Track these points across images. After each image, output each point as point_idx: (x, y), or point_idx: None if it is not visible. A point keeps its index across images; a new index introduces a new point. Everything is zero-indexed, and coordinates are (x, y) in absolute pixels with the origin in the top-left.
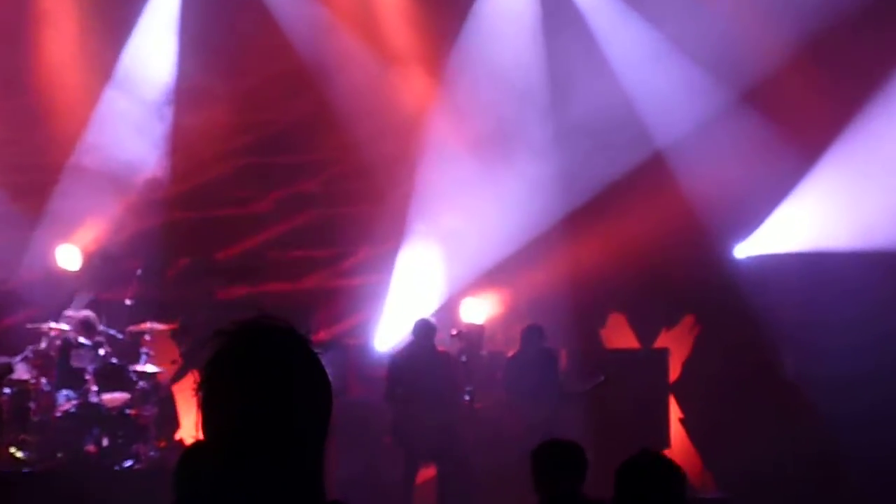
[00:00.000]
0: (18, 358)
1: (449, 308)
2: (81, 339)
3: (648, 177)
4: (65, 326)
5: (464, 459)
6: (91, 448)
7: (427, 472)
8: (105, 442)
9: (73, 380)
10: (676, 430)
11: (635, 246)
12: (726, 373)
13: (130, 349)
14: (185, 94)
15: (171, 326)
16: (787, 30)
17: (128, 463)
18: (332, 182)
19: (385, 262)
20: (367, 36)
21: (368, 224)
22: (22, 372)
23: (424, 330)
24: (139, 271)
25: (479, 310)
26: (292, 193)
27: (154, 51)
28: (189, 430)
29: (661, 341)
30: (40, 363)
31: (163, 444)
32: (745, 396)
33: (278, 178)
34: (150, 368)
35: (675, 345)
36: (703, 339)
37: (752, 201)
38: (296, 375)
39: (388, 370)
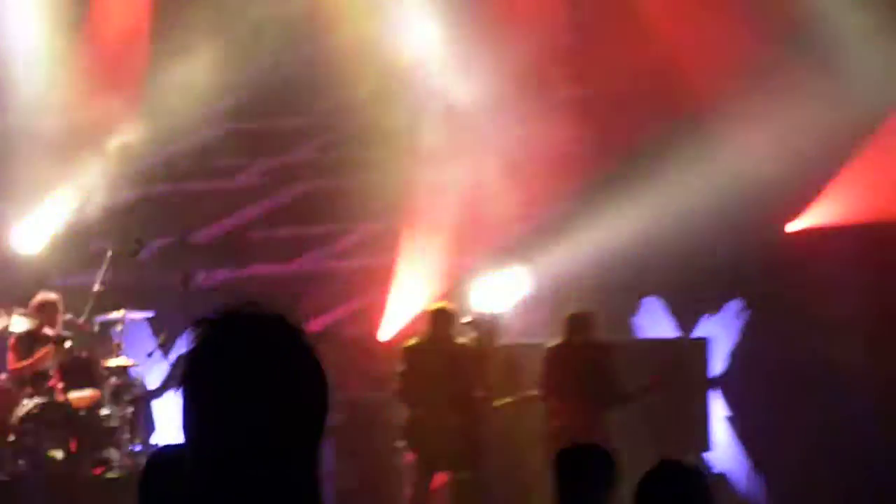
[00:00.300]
0: None
1: (460, 293)
2: (44, 330)
3: (687, 143)
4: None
5: (482, 466)
6: (57, 454)
7: (439, 481)
8: (73, 447)
9: (36, 377)
10: (720, 431)
11: (672, 220)
12: (778, 365)
13: (100, 341)
14: (161, 49)
15: (146, 315)
16: None
17: (98, 470)
18: (327, 150)
19: (387, 240)
20: None
21: (368, 198)
22: None
23: (442, 319)
24: (109, 252)
25: (494, 294)
26: (282, 163)
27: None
28: (168, 432)
29: (703, 329)
30: None
31: (138, 448)
32: (801, 392)
33: (266, 146)
34: (122, 362)
35: (719, 333)
36: (752, 327)
37: (807, 169)
38: (287, 370)
39: (401, 364)
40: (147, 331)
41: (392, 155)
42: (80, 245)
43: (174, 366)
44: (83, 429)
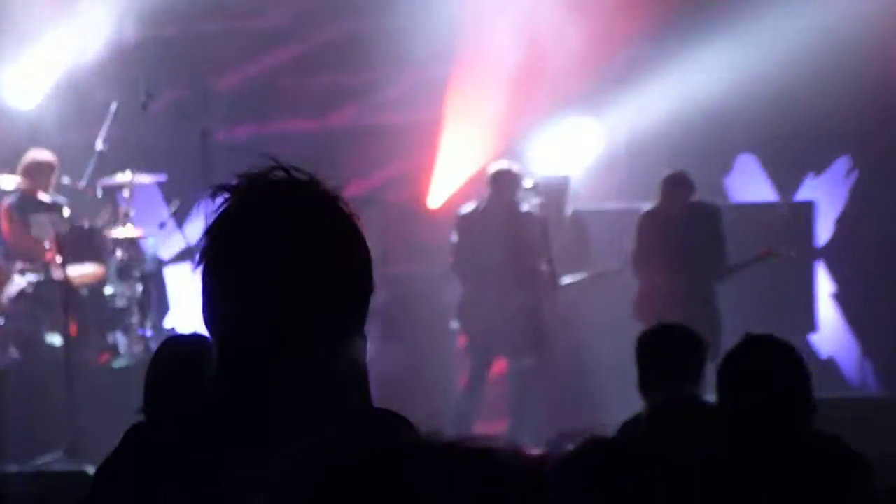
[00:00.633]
0: None
1: (520, 152)
2: (40, 196)
3: None
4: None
5: (547, 352)
6: (54, 339)
7: (498, 368)
8: (73, 331)
9: (29, 249)
10: (826, 310)
11: (766, 65)
12: (893, 234)
13: (104, 208)
14: None
15: (158, 178)
16: None
17: (103, 358)
18: None
19: (437, 90)
20: None
21: (414, 40)
22: None
23: (504, 182)
24: (114, 105)
25: (560, 154)
26: None
27: None
28: (183, 314)
29: (806, 192)
30: None
31: (149, 332)
32: None
33: None
34: (130, 233)
35: (826, 197)
36: (863, 190)
37: None
38: (324, 243)
39: (455, 233)
40: (158, 196)
41: None
42: (80, 96)
43: (193, 239)
44: (85, 310)
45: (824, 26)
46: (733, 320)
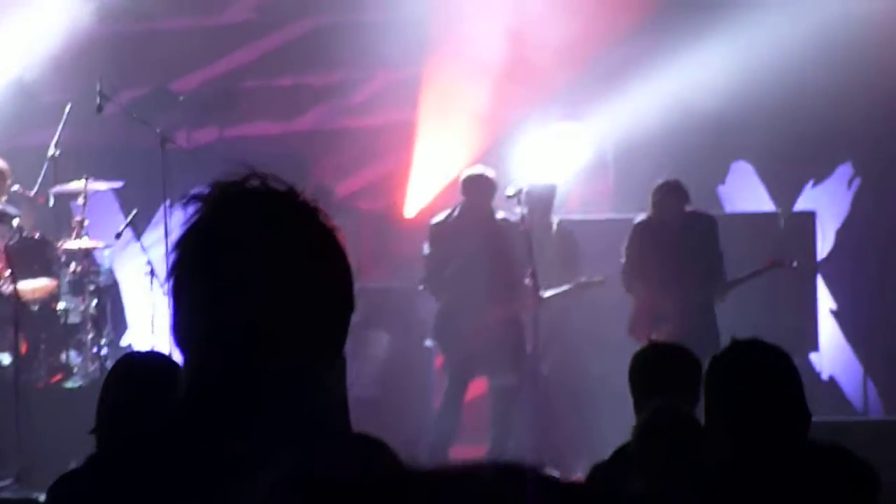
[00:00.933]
0: None
1: (500, 156)
2: None
3: None
4: None
5: (532, 371)
6: (3, 358)
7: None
8: (23, 349)
9: None
10: (827, 327)
11: (763, 67)
12: None
13: (57, 218)
14: None
15: (114, 185)
16: None
17: (55, 378)
18: None
19: (411, 91)
20: None
21: (386, 36)
22: None
23: (478, 188)
24: (67, 108)
25: (545, 160)
26: None
27: None
28: (142, 330)
29: (806, 202)
30: None
31: (104, 350)
32: None
33: None
34: (84, 244)
35: (826, 207)
36: (866, 198)
37: None
38: (304, 256)
39: (427, 244)
40: (115, 205)
41: None
42: (31, 97)
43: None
44: (36, 327)
45: (825, 29)
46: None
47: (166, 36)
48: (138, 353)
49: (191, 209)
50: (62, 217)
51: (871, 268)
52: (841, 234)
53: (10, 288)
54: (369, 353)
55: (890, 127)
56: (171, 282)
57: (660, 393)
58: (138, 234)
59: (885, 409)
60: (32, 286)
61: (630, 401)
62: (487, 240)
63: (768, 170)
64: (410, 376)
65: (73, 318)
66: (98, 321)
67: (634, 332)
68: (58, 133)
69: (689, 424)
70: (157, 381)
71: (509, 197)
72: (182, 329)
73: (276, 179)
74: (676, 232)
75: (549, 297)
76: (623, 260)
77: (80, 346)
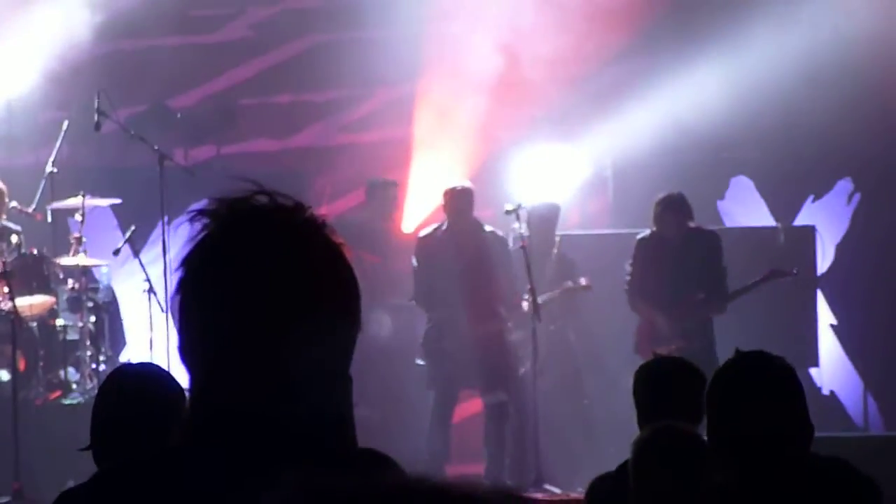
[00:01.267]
0: None
1: (499, 173)
2: None
3: None
4: None
5: (519, 388)
6: (2, 374)
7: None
8: (21, 365)
9: None
10: (827, 342)
11: (761, 83)
12: None
13: (55, 235)
14: None
15: (112, 202)
16: None
17: (54, 395)
18: None
19: (408, 108)
20: None
21: (384, 54)
22: None
23: (462, 202)
24: (65, 124)
25: (543, 177)
26: (279, 11)
27: None
28: (141, 347)
29: (806, 216)
30: None
31: (103, 367)
32: None
33: None
34: (82, 261)
35: (826, 221)
36: (867, 213)
37: None
38: (314, 272)
39: (415, 259)
40: (113, 221)
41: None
42: (29, 114)
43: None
44: (34, 344)
45: (822, 45)
46: (728, 352)
47: (164, 53)
48: (130, 364)
49: (197, 225)
50: (60, 234)
51: (871, 282)
52: (841, 249)
53: (9, 305)
54: (364, 369)
55: (884, 143)
56: (178, 300)
57: (663, 406)
58: (136, 252)
59: (885, 425)
60: (30, 303)
61: (630, 418)
62: (474, 254)
63: (768, 185)
64: (406, 393)
65: (72, 335)
66: (96, 338)
67: (640, 349)
68: (55, 150)
69: (690, 442)
70: (148, 393)
71: (508, 212)
72: (189, 350)
73: (283, 195)
74: (676, 248)
75: (539, 305)
76: (627, 277)
77: (78, 363)
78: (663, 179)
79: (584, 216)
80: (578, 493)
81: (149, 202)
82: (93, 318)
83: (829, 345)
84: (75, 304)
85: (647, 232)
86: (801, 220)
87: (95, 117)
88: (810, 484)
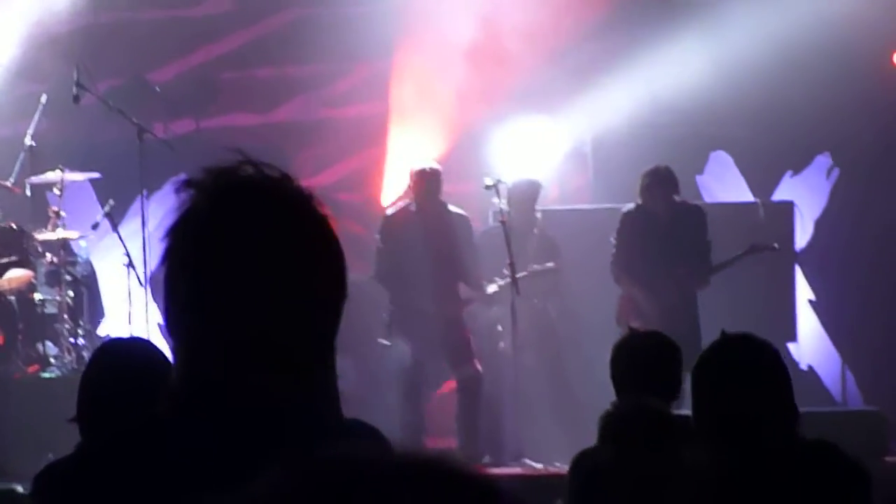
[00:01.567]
0: None
1: (478, 147)
2: None
3: None
4: None
5: (496, 363)
6: None
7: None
8: (0, 339)
9: None
10: (806, 317)
11: (740, 56)
12: (877, 236)
13: (33, 209)
14: None
15: (91, 176)
16: None
17: (33, 368)
18: None
19: (391, 83)
20: None
21: (366, 29)
22: None
23: (426, 183)
24: (43, 98)
25: (523, 153)
26: None
27: None
28: (119, 321)
29: (785, 192)
30: None
31: (81, 341)
32: None
33: None
34: (60, 235)
35: (805, 196)
36: (845, 189)
37: None
38: (302, 243)
39: (379, 237)
40: (91, 196)
41: None
42: (6, 87)
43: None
44: (12, 318)
45: (803, 19)
46: (709, 327)
47: (144, 26)
48: (121, 338)
49: (183, 196)
50: (38, 208)
51: (850, 258)
52: (819, 225)
53: None
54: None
55: (864, 120)
56: (164, 272)
57: (640, 381)
58: (115, 225)
59: (863, 400)
60: (8, 277)
61: (612, 393)
62: (441, 235)
63: (746, 160)
64: (383, 369)
65: (50, 309)
66: (75, 312)
67: (620, 321)
68: (34, 123)
69: (660, 421)
70: (138, 368)
71: (487, 187)
72: (174, 322)
73: (269, 166)
74: (663, 223)
75: (517, 279)
76: (613, 250)
77: (56, 337)
78: (643, 154)
79: (563, 191)
80: (557, 467)
81: (128, 176)
82: (71, 293)
83: (807, 320)
84: (54, 278)
85: (631, 205)
86: (779, 195)
87: (74, 90)
88: (797, 467)
